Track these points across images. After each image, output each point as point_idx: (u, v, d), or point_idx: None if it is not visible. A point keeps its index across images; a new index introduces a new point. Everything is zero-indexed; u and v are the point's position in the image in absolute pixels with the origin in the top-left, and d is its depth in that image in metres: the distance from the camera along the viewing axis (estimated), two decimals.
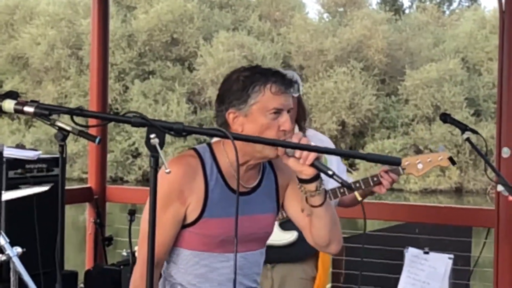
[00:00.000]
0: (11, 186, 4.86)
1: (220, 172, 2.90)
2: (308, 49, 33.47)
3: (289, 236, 4.17)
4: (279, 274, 4.29)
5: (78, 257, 6.44)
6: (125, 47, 34.33)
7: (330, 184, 3.23)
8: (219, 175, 2.89)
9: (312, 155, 2.69)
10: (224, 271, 2.87)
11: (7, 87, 35.38)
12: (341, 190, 4.04)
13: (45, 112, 2.15)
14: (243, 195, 2.86)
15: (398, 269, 5.29)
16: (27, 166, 5.07)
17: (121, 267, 5.37)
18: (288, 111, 2.85)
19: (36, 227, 4.88)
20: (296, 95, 3.86)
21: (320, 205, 2.84)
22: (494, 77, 32.56)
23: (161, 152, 2.12)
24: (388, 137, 31.97)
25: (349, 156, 2.46)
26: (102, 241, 5.75)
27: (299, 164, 2.72)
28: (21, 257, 4.68)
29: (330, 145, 4.29)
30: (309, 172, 2.73)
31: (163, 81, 33.53)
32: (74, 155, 29.28)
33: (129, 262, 5.07)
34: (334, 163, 4.10)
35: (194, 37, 34.60)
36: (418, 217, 5.52)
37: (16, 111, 2.15)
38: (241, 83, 2.85)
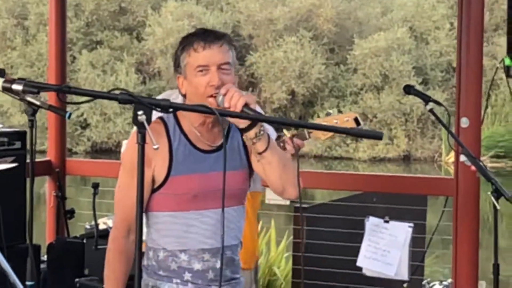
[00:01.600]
0: None
1: (183, 132, 2.99)
2: (257, 18, 33.36)
3: None
4: None
5: (36, 231, 6.39)
6: (72, 16, 33.79)
7: None
8: (182, 135, 2.99)
9: (240, 102, 2.80)
10: (202, 228, 2.92)
11: None
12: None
13: (34, 90, 2.14)
14: (210, 153, 2.95)
15: (359, 238, 5.37)
16: None
17: (84, 240, 5.36)
18: (221, 67, 2.94)
19: None
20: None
21: (265, 151, 2.95)
22: (441, 46, 32.88)
23: (148, 128, 2.13)
24: (337, 106, 32.05)
25: (333, 131, 2.49)
26: (64, 214, 5.73)
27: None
28: None
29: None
30: (242, 120, 2.86)
31: (111, 51, 33.18)
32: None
33: (93, 235, 5.06)
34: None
35: (142, 7, 34.24)
36: (377, 187, 5.59)
37: (4, 89, 2.14)
38: (177, 49, 3.02)
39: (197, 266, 2.92)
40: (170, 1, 33.72)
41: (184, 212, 2.94)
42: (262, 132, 2.90)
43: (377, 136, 2.30)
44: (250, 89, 32.78)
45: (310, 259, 5.92)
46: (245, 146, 3.10)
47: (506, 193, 3.90)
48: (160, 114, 2.84)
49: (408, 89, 4.26)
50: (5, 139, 5.14)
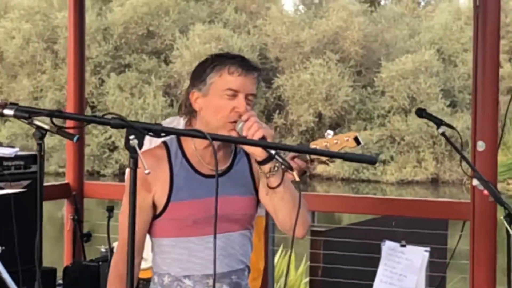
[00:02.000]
0: None
1: (185, 156, 2.96)
2: (284, 41, 33.47)
3: None
4: None
5: (55, 253, 6.42)
6: (100, 40, 34.18)
7: None
8: (183, 160, 2.96)
9: (257, 134, 2.77)
10: (205, 253, 2.91)
11: None
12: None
13: (25, 115, 2.16)
14: (212, 178, 2.91)
15: (376, 262, 5.34)
16: (5, 163, 5.06)
17: (100, 263, 5.37)
18: (248, 97, 2.91)
19: (14, 224, 4.87)
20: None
21: (277, 186, 2.90)
22: (469, 68, 32.71)
23: (140, 153, 2.14)
24: (365, 129, 32.05)
25: (327, 155, 2.48)
26: (81, 237, 5.75)
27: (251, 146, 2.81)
28: (0, 255, 4.70)
29: None
30: (259, 153, 2.82)
31: (139, 74, 33.43)
32: (50, 150, 29.16)
33: (108, 258, 5.07)
34: None
35: (170, 30, 34.50)
36: (394, 210, 5.56)
37: None
38: (204, 64, 2.95)
39: None
40: (197, 24, 33.95)
41: (186, 238, 2.93)
42: (276, 168, 2.87)
43: (371, 161, 2.29)
44: (277, 111, 32.83)
45: (327, 284, 5.89)
46: (252, 174, 3.07)
47: None
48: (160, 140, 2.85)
49: (420, 113, 4.23)
50: (22, 162, 5.16)
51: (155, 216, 2.96)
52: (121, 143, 31.32)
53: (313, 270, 5.95)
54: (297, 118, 32.32)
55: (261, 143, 2.69)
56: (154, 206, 2.94)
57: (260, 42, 34.24)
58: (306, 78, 32.04)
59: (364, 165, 30.85)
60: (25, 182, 5.01)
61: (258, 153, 2.81)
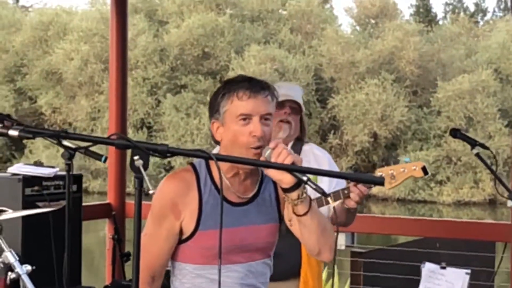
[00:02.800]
0: (28, 203, 4.93)
1: (214, 183, 2.93)
2: (339, 61, 33.43)
3: None
4: None
5: (99, 274, 6.47)
6: (157, 61, 34.55)
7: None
8: (212, 187, 2.93)
9: (287, 161, 2.72)
10: (227, 282, 2.89)
11: (41, 102, 35.76)
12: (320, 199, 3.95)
13: (29, 136, 2.19)
14: (240, 206, 2.90)
15: (417, 285, 5.27)
16: (44, 183, 5.12)
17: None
18: (265, 118, 2.88)
19: (52, 244, 4.93)
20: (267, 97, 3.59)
21: (305, 214, 2.83)
22: None
23: (144, 174, 2.15)
24: (421, 149, 31.79)
25: (333, 176, 2.47)
26: (121, 257, 5.78)
27: (279, 173, 2.74)
28: (37, 273, 4.75)
29: (325, 160, 4.21)
30: (288, 180, 2.75)
31: (194, 94, 33.67)
32: (99, 169, 29.52)
33: None
34: (325, 179, 4.01)
35: (225, 51, 34.72)
36: (434, 232, 5.49)
37: (1, 134, 2.19)
38: (216, 94, 2.93)
39: None
40: (253, 45, 34.10)
41: (209, 266, 2.91)
42: (304, 195, 2.80)
43: (378, 182, 2.27)
44: (332, 131, 32.75)
45: None
46: (277, 199, 3.02)
47: None
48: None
49: (455, 133, 4.21)
50: (61, 182, 5.22)
51: (180, 241, 2.93)
52: (176, 163, 31.59)
53: None
54: (352, 138, 32.20)
55: (285, 166, 2.63)
56: (180, 231, 2.92)
57: (315, 62, 34.25)
58: (361, 98, 31.94)
59: (420, 185, 30.63)
60: (64, 202, 5.06)
61: (286, 180, 2.75)
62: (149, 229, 2.91)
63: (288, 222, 2.95)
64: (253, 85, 2.88)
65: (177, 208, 2.88)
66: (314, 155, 4.18)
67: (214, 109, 2.92)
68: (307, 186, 2.73)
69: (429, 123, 32.44)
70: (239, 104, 2.86)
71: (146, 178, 2.14)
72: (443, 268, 5.26)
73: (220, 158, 2.44)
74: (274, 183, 2.99)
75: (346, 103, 32.39)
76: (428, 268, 5.29)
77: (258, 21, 36.84)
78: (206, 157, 2.38)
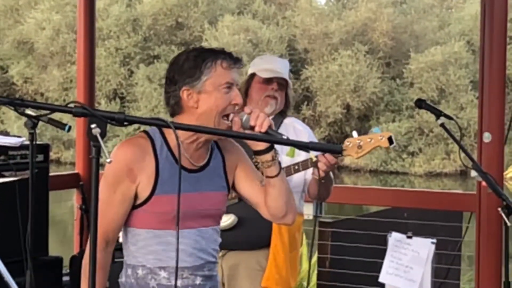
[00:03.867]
0: None
1: (170, 150, 2.98)
2: (313, 32, 33.41)
3: (226, 219, 4.08)
4: (229, 262, 4.19)
5: (71, 244, 6.46)
6: (130, 31, 34.35)
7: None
8: (169, 153, 2.98)
9: (266, 123, 2.82)
10: (181, 247, 2.92)
11: (12, 72, 35.46)
12: (296, 167, 4.00)
13: None
14: (193, 173, 2.98)
15: (384, 254, 5.32)
16: (10, 152, 5.08)
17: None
18: (237, 86, 2.98)
19: (18, 214, 4.91)
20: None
21: (277, 175, 2.96)
22: None
23: (102, 142, 2.15)
24: (393, 121, 31.93)
25: (291, 145, 2.49)
26: (88, 227, 5.77)
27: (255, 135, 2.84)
28: (3, 243, 4.74)
29: (305, 135, 4.24)
30: (260, 142, 2.87)
31: (167, 65, 33.46)
32: (72, 140, 29.39)
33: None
34: (303, 152, 4.04)
35: (199, 21, 34.57)
36: (400, 202, 5.53)
37: None
38: (192, 61, 2.97)
39: (177, 283, 2.93)
40: (226, 15, 33.98)
41: (165, 231, 2.94)
42: (277, 156, 2.93)
43: (335, 150, 2.28)
44: (305, 103, 32.79)
45: (335, 275, 5.89)
46: (224, 170, 3.10)
47: None
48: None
49: (420, 103, 4.22)
50: (27, 152, 5.19)
51: (134, 206, 2.96)
52: None
53: (321, 261, 5.95)
54: (325, 109, 32.27)
55: (243, 136, 2.72)
56: (135, 196, 2.95)
57: (289, 33, 34.21)
58: (335, 69, 31.97)
59: (392, 156, 30.78)
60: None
61: (258, 142, 2.88)
62: (103, 195, 2.89)
63: (251, 192, 3.07)
64: (232, 57, 3.00)
65: (132, 172, 2.91)
66: (294, 129, 4.22)
67: (189, 76, 2.96)
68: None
69: (402, 95, 32.56)
70: (224, 73, 2.95)
71: (103, 146, 2.14)
72: (409, 237, 5.31)
73: (178, 126, 2.45)
74: (222, 155, 3.10)
75: (319, 74, 32.41)
76: (394, 237, 5.33)
77: None
78: (165, 125, 2.39)
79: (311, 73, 32.71)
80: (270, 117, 4.15)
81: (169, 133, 2.97)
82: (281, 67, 4.25)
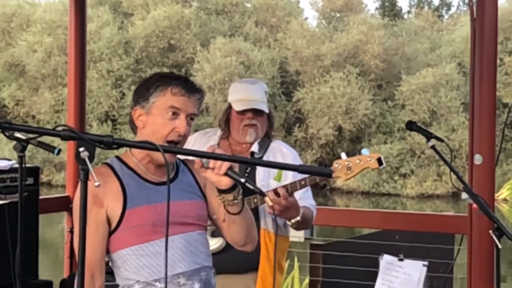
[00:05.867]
0: None
1: (131, 169, 3.02)
2: (304, 54, 33.49)
3: (215, 243, 4.06)
4: (217, 286, 4.19)
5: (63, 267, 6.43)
6: (121, 54, 34.38)
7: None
8: (130, 171, 3.02)
9: (225, 165, 2.79)
10: (170, 254, 2.92)
11: (4, 95, 35.41)
12: (255, 200, 3.97)
13: None
14: (160, 185, 2.97)
15: (375, 277, 5.30)
16: (0, 176, 5.06)
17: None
18: (191, 118, 2.99)
19: (8, 237, 4.87)
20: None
21: (238, 213, 2.96)
22: None
23: (90, 166, 2.14)
24: (385, 142, 31.97)
25: (281, 168, 2.48)
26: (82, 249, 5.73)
27: (216, 175, 2.82)
28: None
29: (291, 158, 4.23)
30: (225, 182, 2.84)
31: None
32: (63, 162, 29.33)
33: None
34: (290, 175, 4.03)
35: (191, 43, 34.63)
36: (391, 224, 5.52)
37: None
38: (148, 83, 3.03)
39: None
40: (218, 38, 34.05)
41: (149, 243, 2.95)
42: (240, 197, 2.91)
43: (326, 174, 2.27)
44: (297, 124, 32.81)
45: None
46: (196, 181, 3.12)
47: (508, 232, 3.81)
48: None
49: (410, 125, 4.22)
50: (17, 175, 5.16)
51: (111, 231, 2.97)
52: None
53: (313, 284, 5.91)
54: (317, 131, 32.29)
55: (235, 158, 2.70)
56: (108, 221, 2.94)
57: (281, 55, 34.29)
58: (326, 91, 32.04)
59: (384, 178, 30.80)
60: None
61: (223, 182, 2.83)
62: (76, 229, 2.90)
63: (215, 213, 3.09)
64: (189, 85, 3.01)
65: (98, 198, 2.92)
66: (281, 152, 4.21)
67: (141, 97, 3.02)
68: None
69: (393, 117, 32.62)
70: (171, 98, 2.96)
71: (91, 170, 2.12)
72: (401, 260, 5.29)
73: (167, 150, 2.44)
74: (191, 172, 3.12)
75: (311, 96, 32.46)
76: (386, 260, 5.31)
77: (223, 14, 36.77)
78: (153, 148, 2.40)
79: (302, 95, 32.76)
80: (256, 142, 4.17)
81: (127, 158, 3.03)
82: (254, 94, 4.22)
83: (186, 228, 3.02)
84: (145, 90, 3.01)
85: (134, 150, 3.00)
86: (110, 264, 3.06)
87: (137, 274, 2.97)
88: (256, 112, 4.17)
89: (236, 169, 2.84)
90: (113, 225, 2.95)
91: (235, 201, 2.91)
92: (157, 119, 2.96)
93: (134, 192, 2.95)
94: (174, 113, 2.95)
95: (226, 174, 2.79)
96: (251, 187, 2.72)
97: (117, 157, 3.04)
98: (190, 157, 3.00)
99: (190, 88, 2.99)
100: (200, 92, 3.06)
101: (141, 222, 2.93)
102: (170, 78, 3.02)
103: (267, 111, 4.21)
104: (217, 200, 3.00)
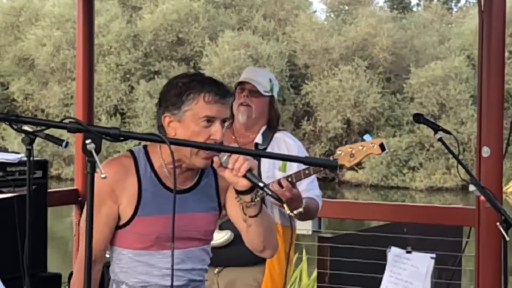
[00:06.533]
0: None
1: (154, 171, 2.96)
2: (313, 47, 33.46)
3: (222, 236, 4.07)
4: (225, 279, 4.17)
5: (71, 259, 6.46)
6: (130, 47, 34.41)
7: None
8: (152, 174, 2.95)
9: (244, 167, 2.76)
10: (164, 267, 2.92)
11: (13, 88, 35.52)
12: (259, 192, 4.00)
13: None
14: (179, 194, 2.91)
15: (383, 269, 5.30)
16: (9, 169, 5.08)
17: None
18: (224, 121, 2.92)
19: (17, 230, 4.90)
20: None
21: (255, 216, 2.92)
22: None
23: (96, 158, 2.15)
24: (394, 135, 31.93)
25: (287, 160, 2.48)
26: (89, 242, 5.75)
27: (234, 176, 2.79)
28: (2, 259, 4.72)
29: (295, 148, 4.23)
30: (243, 184, 2.81)
31: None
32: (72, 156, 29.33)
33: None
34: (294, 165, 4.04)
35: (199, 37, 34.62)
36: (399, 217, 5.52)
37: None
38: (178, 89, 2.91)
39: None
40: (227, 31, 34.03)
41: (146, 251, 2.95)
42: (257, 199, 2.89)
43: (331, 165, 2.27)
44: (306, 118, 32.79)
45: None
46: (217, 191, 3.08)
47: None
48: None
49: (418, 118, 4.21)
50: (26, 168, 5.18)
51: (118, 227, 2.97)
52: None
53: (320, 276, 5.92)
54: (326, 124, 32.27)
55: (216, 147, 2.68)
56: (118, 216, 2.95)
57: (289, 49, 34.25)
58: (335, 84, 32.00)
59: (393, 171, 30.76)
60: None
61: (241, 183, 2.80)
62: (87, 214, 2.90)
63: (237, 217, 3.01)
64: (221, 90, 2.90)
65: (114, 193, 2.90)
66: (285, 143, 4.20)
67: (172, 104, 2.92)
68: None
69: (402, 110, 32.58)
70: (205, 107, 2.87)
71: (98, 162, 2.13)
72: (409, 252, 5.29)
73: (173, 142, 2.44)
74: (215, 175, 3.06)
75: (319, 89, 32.44)
76: (393, 252, 5.32)
77: (231, 7, 36.74)
78: (160, 140, 2.39)
79: (311, 88, 32.74)
80: (259, 135, 4.18)
81: (154, 154, 2.96)
82: (257, 74, 4.25)
83: (190, 243, 3.01)
84: (175, 96, 2.91)
85: (163, 149, 2.92)
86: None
87: (126, 277, 2.99)
88: (253, 93, 4.17)
89: (255, 172, 2.80)
90: (121, 223, 2.95)
91: (253, 203, 2.88)
92: (191, 127, 2.88)
93: (149, 199, 2.92)
94: (208, 121, 2.88)
95: (245, 176, 2.77)
96: (269, 192, 2.70)
97: (145, 149, 2.98)
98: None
99: (223, 93, 2.90)
100: (232, 95, 2.99)
101: (146, 231, 2.93)
102: (201, 83, 2.91)
103: (264, 94, 4.20)
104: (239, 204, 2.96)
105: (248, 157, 2.79)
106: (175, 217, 2.64)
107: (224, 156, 2.80)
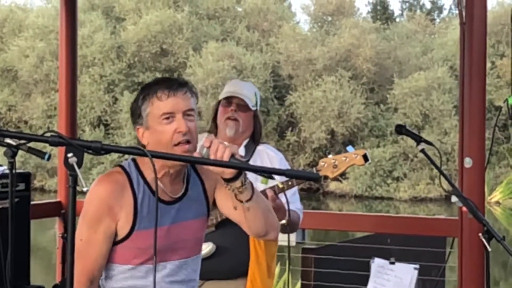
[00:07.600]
0: None
1: (147, 184, 2.96)
2: (296, 58, 33.49)
3: (204, 248, 4.00)
4: None
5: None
6: (114, 58, 34.34)
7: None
8: (146, 187, 2.96)
9: (226, 154, 2.75)
10: (159, 278, 2.92)
11: None
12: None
13: None
14: (172, 204, 2.92)
15: (367, 280, 5.31)
16: None
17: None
18: (188, 114, 2.92)
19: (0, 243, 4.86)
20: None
21: (250, 199, 2.90)
22: None
23: (78, 171, 2.14)
24: (378, 146, 31.98)
25: (269, 172, 2.48)
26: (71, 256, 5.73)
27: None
28: None
29: (278, 161, 4.23)
30: (230, 171, 2.80)
31: None
32: (56, 168, 29.19)
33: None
34: (277, 178, 4.03)
35: (183, 48, 34.60)
36: (383, 228, 5.53)
37: None
38: (136, 99, 2.98)
39: None
40: (210, 42, 34.04)
41: (144, 265, 2.95)
42: (247, 180, 2.88)
43: (313, 178, 2.28)
44: (290, 128, 32.82)
45: None
46: (205, 193, 3.08)
47: (498, 235, 3.83)
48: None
49: (400, 129, 4.23)
50: (8, 181, 5.15)
51: (114, 243, 2.96)
52: None
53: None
54: (310, 135, 32.29)
55: (219, 163, 2.67)
56: (115, 233, 2.93)
57: (273, 59, 34.28)
58: (319, 95, 32.04)
59: (377, 181, 30.81)
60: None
61: (227, 171, 2.79)
62: (84, 235, 2.89)
63: (232, 211, 3.01)
64: (171, 84, 2.92)
65: (113, 211, 2.89)
66: (267, 155, 4.22)
67: (136, 115, 2.96)
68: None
69: (386, 120, 32.65)
70: (160, 104, 2.89)
71: (80, 175, 2.13)
72: (392, 263, 5.31)
73: (155, 155, 2.44)
74: (200, 178, 3.07)
75: (303, 100, 32.46)
76: (377, 263, 5.33)
77: (214, 18, 36.77)
78: (141, 154, 2.39)
79: (295, 99, 32.76)
80: (242, 146, 4.18)
81: (145, 167, 2.95)
82: (242, 88, 4.26)
83: (186, 253, 3.02)
84: (135, 107, 2.96)
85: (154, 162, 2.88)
86: None
87: None
88: (240, 107, 4.18)
89: (238, 156, 2.81)
90: (118, 238, 2.94)
91: (244, 187, 2.85)
92: (156, 129, 2.90)
93: (145, 212, 2.92)
94: (168, 118, 2.89)
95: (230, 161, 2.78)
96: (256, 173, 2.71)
97: (134, 162, 2.97)
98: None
99: (173, 86, 2.91)
100: (186, 85, 2.96)
101: (144, 246, 2.91)
102: (151, 85, 2.96)
103: (252, 108, 4.22)
104: (231, 197, 2.96)
105: (226, 143, 2.80)
106: (156, 228, 2.62)
107: (204, 149, 2.80)
